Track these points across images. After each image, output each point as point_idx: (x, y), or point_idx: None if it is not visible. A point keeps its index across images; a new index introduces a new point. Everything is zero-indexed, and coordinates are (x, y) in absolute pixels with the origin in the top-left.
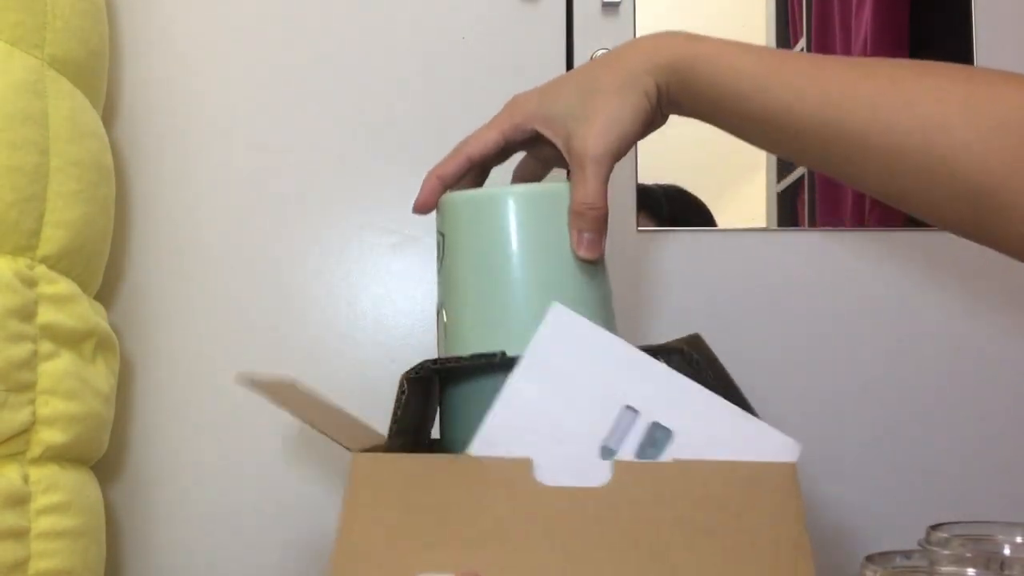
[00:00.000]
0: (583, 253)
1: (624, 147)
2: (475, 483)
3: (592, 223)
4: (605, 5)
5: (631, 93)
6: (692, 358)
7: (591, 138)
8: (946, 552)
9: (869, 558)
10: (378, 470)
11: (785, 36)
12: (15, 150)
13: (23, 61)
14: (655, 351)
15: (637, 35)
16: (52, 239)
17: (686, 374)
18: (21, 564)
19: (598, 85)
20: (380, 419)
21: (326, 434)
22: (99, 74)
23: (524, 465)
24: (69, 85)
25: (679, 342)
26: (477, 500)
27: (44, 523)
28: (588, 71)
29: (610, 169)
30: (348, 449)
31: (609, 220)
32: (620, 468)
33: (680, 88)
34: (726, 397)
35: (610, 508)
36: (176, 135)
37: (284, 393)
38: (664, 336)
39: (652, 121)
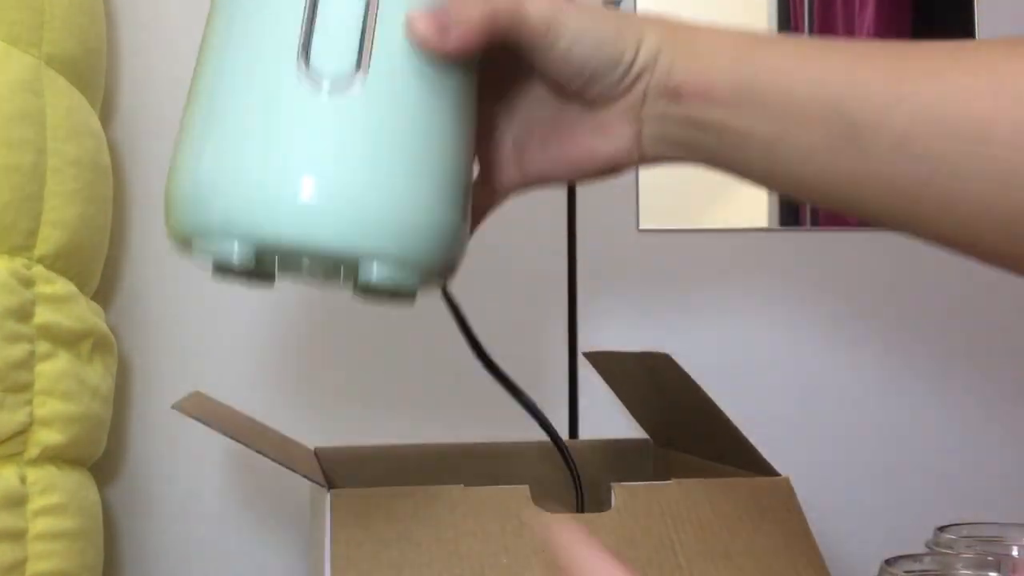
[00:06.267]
0: (423, 31)
1: None
2: (471, 513)
3: None
4: (605, 5)
5: None
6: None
7: None
8: (967, 556)
9: (888, 562)
10: (359, 505)
11: None
12: (12, 149)
13: (20, 59)
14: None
15: None
16: (49, 239)
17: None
18: (18, 565)
19: None
20: (383, 416)
21: (264, 454)
22: (97, 73)
23: (522, 492)
24: (66, 84)
25: (640, 363)
26: (475, 531)
27: (41, 524)
28: None
29: None
30: (293, 471)
31: (609, 221)
32: (621, 492)
33: None
34: (700, 418)
35: (619, 533)
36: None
37: (221, 416)
38: (663, 336)
39: None
